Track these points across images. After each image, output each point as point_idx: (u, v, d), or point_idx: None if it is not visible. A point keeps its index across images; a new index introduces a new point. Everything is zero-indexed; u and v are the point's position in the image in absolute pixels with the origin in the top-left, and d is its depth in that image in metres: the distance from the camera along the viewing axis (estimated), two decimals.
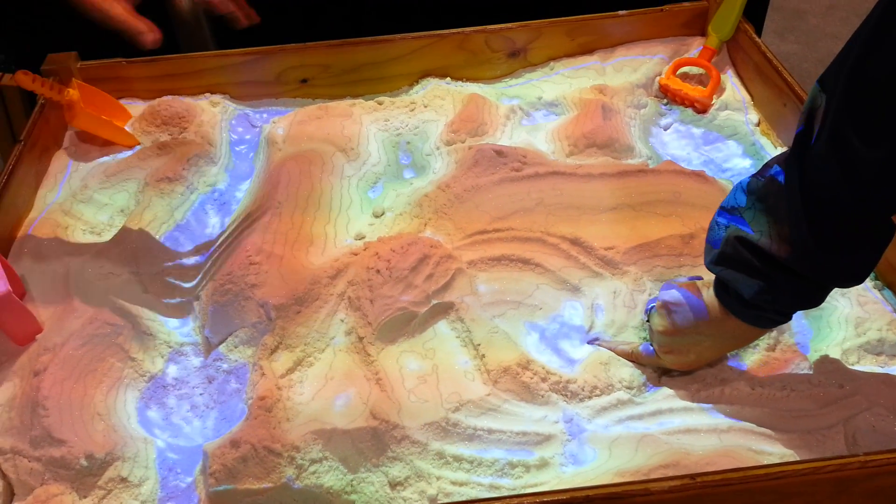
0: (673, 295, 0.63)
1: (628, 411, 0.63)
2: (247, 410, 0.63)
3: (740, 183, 0.58)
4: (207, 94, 1.00)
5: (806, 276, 0.55)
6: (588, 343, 0.69)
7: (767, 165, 0.56)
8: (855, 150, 0.48)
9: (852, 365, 0.65)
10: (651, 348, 0.66)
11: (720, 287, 0.61)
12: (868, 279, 0.72)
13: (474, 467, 0.61)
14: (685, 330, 0.62)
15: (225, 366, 0.70)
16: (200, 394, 0.69)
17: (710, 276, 0.62)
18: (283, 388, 0.64)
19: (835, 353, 0.65)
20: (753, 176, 0.57)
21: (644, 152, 0.88)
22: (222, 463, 0.59)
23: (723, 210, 0.59)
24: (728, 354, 0.66)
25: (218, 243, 0.78)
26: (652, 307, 0.66)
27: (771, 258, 0.55)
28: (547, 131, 0.93)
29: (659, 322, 0.64)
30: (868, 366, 0.65)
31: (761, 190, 0.56)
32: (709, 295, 0.62)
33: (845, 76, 0.48)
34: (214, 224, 0.84)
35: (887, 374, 0.63)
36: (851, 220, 0.52)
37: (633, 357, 0.67)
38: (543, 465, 0.61)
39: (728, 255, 0.58)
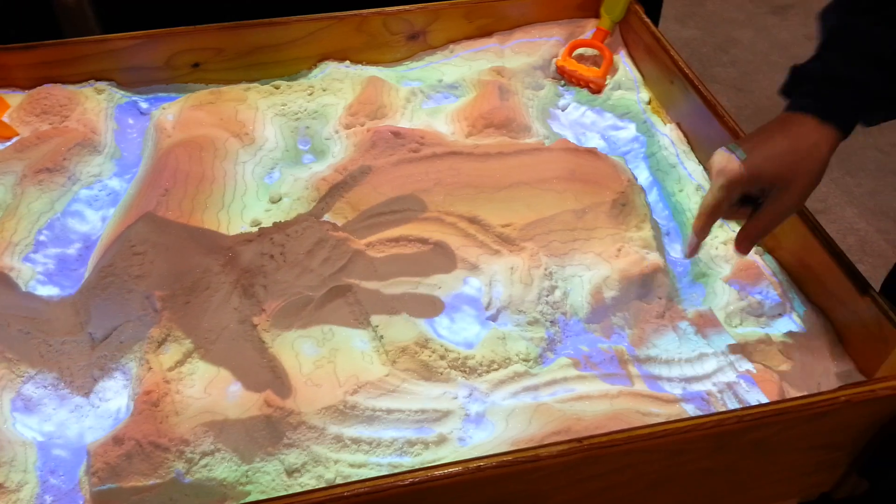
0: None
1: (525, 383, 0.64)
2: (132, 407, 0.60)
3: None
4: (92, 81, 0.95)
5: None
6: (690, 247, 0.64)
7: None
8: None
9: (735, 327, 0.68)
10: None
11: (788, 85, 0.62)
12: None
13: (373, 448, 0.60)
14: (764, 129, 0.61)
15: (110, 362, 0.66)
16: (85, 392, 0.66)
17: None
18: (171, 381, 0.62)
19: (719, 317, 0.68)
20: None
21: (541, 132, 0.89)
22: (105, 461, 0.56)
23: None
24: (611, 327, 0.67)
25: (101, 235, 0.74)
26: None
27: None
28: (447, 113, 0.92)
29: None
30: (750, 327, 0.68)
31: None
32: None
33: None
34: (99, 216, 0.80)
35: (766, 335, 0.66)
36: None
37: (723, 192, 0.61)
38: (442, 441, 0.61)
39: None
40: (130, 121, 0.92)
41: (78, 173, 0.84)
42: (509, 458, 0.50)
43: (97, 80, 0.95)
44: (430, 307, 0.70)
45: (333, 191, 0.79)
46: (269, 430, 0.60)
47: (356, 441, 0.60)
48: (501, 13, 1.02)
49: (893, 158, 1.79)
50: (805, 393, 0.62)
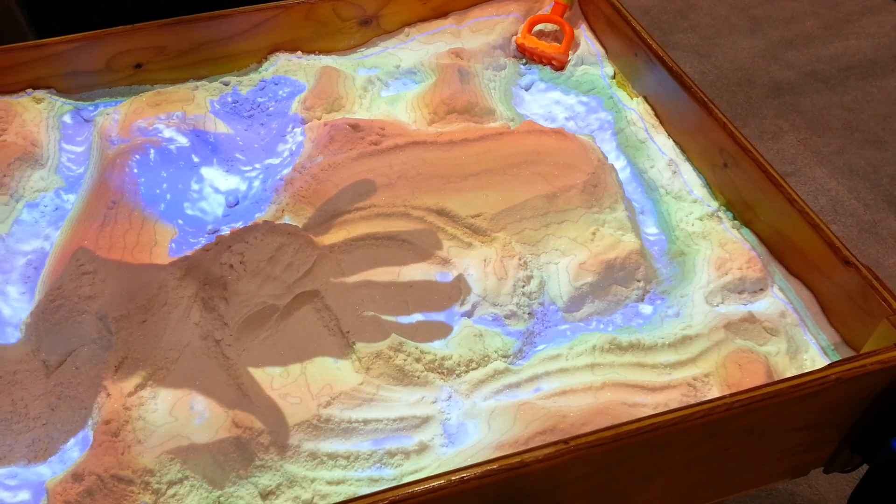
0: None
1: (505, 380, 0.61)
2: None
3: None
4: (29, 90, 0.90)
5: None
6: None
7: None
8: None
9: (717, 306, 0.66)
10: None
11: None
12: (726, 219, 0.73)
13: (351, 462, 0.57)
14: None
15: (68, 391, 0.63)
16: (43, 424, 0.62)
17: None
18: (131, 407, 0.58)
19: (699, 296, 0.66)
20: None
21: (506, 114, 0.86)
22: (65, 500, 0.53)
23: None
24: (591, 314, 0.65)
25: (48, 255, 0.70)
26: None
27: None
28: (407, 101, 0.89)
29: None
30: (732, 305, 0.66)
31: None
32: None
33: None
34: (46, 234, 0.75)
35: (750, 312, 0.64)
36: None
37: None
38: (423, 449, 0.58)
39: None
40: (80, 133, 0.86)
41: (20, 190, 0.79)
42: (494, 465, 0.48)
43: (35, 88, 0.90)
44: (402, 307, 0.67)
45: (293, 191, 0.75)
46: (240, 452, 0.57)
47: (332, 456, 0.57)
48: None
49: (858, 115, 1.79)
50: (794, 370, 0.60)
